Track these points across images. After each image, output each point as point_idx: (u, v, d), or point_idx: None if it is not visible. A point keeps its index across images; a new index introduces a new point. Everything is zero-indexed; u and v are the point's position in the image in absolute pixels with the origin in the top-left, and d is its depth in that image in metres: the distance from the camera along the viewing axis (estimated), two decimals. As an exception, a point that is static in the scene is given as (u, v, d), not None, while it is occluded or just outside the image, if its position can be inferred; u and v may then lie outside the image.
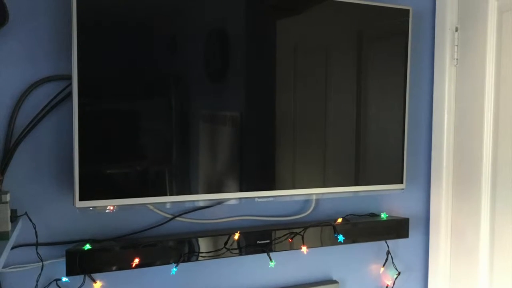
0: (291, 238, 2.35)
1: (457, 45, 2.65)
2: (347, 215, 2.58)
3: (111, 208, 2.01)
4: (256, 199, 2.27)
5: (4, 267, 1.96)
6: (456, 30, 2.65)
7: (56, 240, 2.08)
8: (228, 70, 2.19)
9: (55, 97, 2.02)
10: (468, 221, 2.60)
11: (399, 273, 2.71)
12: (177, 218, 2.26)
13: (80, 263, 1.99)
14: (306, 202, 2.53)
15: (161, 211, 2.22)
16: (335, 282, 2.61)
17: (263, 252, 2.30)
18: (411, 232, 2.67)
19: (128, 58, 2.00)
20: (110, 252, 2.06)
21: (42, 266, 2.02)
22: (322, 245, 2.45)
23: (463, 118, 2.63)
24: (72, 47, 1.86)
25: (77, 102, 1.88)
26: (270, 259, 2.29)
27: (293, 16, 2.30)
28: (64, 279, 2.04)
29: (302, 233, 2.37)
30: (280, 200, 2.38)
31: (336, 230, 2.41)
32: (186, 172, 2.15)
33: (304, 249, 2.37)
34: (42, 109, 2.00)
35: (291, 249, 2.38)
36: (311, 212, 2.53)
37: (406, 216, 2.68)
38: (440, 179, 2.72)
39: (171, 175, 2.13)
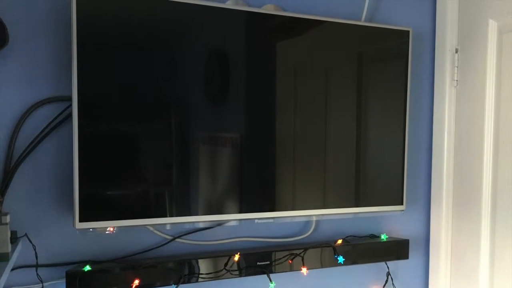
0: (291, 260, 2.34)
1: (457, 67, 2.66)
2: (347, 237, 2.58)
3: (111, 229, 2.01)
4: (256, 221, 2.27)
5: (4, 288, 1.96)
6: (456, 52, 2.66)
7: (56, 261, 2.07)
8: (228, 92, 2.19)
9: (55, 118, 2.02)
10: (468, 243, 2.60)
11: (399, 295, 2.71)
12: (177, 240, 2.26)
13: (80, 284, 1.98)
14: (306, 223, 2.53)
15: (161, 232, 2.22)
16: (335, 303, 2.61)
17: (263, 273, 2.29)
18: (411, 253, 2.67)
19: (128, 80, 2.00)
20: (110, 273, 2.06)
21: (42, 287, 2.02)
22: (322, 267, 2.44)
23: (463, 140, 2.63)
24: (72, 68, 1.87)
25: (77, 123, 1.88)
26: (270, 280, 2.28)
27: (293, 37, 2.30)
28: (64, 300, 2.04)
29: (302, 254, 2.36)
30: (280, 222, 2.39)
31: (336, 251, 2.40)
32: (186, 193, 2.16)
33: (304, 270, 2.36)
34: (42, 131, 2.01)
35: (291, 270, 2.37)
36: (311, 233, 2.53)
37: (406, 238, 2.68)
38: (440, 200, 2.72)
39: (171, 196, 2.13)
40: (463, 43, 2.64)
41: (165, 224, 2.12)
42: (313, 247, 2.40)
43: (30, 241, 1.96)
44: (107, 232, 2.02)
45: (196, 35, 2.10)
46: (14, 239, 1.86)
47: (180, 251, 2.28)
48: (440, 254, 2.73)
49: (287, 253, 2.35)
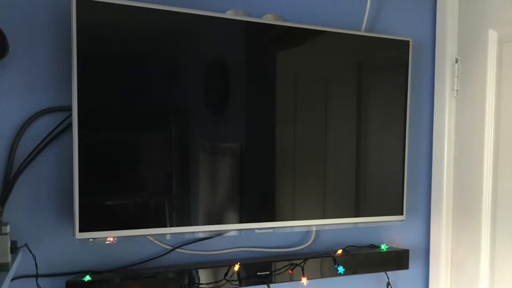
0: (291, 270, 2.34)
1: (457, 77, 2.66)
2: (347, 247, 2.57)
3: (111, 239, 2.00)
4: (256, 231, 2.26)
5: (3, 298, 1.96)
6: (456, 61, 2.66)
7: (56, 271, 2.07)
8: (228, 101, 2.19)
9: (55, 128, 2.02)
10: (468, 253, 2.59)
11: (399, 305, 2.71)
12: (177, 250, 2.26)
13: (80, 295, 1.98)
14: (306, 233, 2.52)
15: (161, 242, 2.22)
16: (335, 313, 2.60)
17: (263, 283, 2.29)
18: (411, 263, 2.66)
19: (128, 90, 2.00)
20: (110, 283, 2.05)
21: (42, 297, 2.02)
22: (322, 277, 2.43)
23: (463, 150, 2.63)
24: (72, 78, 1.87)
25: (77, 133, 1.88)
26: (270, 291, 2.28)
27: (293, 47, 2.30)
28: (64, 310, 2.03)
29: (302, 264, 2.35)
30: (280, 232, 2.38)
31: (336, 261, 2.40)
32: (186, 203, 2.15)
33: (304, 280, 2.36)
34: (42, 141, 2.01)
35: (291, 281, 2.37)
36: (311, 243, 2.52)
37: (406, 248, 2.67)
38: (440, 210, 2.72)
39: (171, 206, 2.13)
40: (463, 53, 2.64)
41: (165, 234, 2.11)
42: (313, 257, 2.40)
43: (30, 251, 1.95)
44: (107, 242, 2.01)
45: (196, 45, 2.10)
46: (14, 249, 1.86)
47: (180, 261, 2.28)
48: (440, 264, 2.73)
49: (287, 263, 2.34)
